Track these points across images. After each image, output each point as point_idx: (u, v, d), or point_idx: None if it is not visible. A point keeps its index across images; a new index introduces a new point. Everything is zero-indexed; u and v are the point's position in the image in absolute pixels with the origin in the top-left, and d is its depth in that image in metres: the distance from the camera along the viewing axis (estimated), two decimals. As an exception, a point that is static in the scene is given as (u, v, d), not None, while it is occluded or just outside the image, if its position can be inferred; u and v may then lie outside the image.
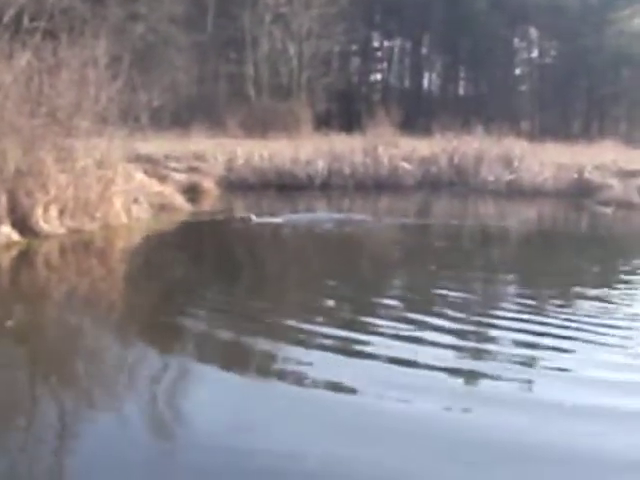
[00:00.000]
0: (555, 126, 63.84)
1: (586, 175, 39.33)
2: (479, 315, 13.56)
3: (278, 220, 25.96)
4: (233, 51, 65.65)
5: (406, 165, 40.23)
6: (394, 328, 12.44)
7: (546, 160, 40.17)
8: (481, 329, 12.66)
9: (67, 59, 25.58)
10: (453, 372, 10.38)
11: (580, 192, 37.32)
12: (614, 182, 37.78)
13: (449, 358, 10.96)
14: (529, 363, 10.85)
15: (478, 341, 11.99)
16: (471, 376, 10.29)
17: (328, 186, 37.85)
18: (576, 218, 33.33)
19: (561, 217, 33.88)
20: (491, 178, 39.07)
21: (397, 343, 11.66)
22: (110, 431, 8.60)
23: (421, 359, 10.78)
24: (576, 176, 39.28)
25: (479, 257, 21.65)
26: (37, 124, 22.91)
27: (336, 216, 28.26)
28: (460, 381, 10.18)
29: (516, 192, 37.45)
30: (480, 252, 22.81)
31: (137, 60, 39.10)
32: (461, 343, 11.74)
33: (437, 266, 18.99)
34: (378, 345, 11.56)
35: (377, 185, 38.36)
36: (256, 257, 21.72)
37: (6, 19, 25.25)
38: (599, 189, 37.13)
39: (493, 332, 12.45)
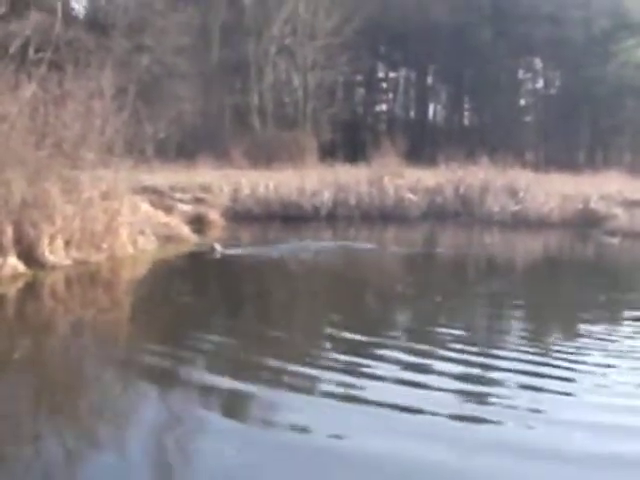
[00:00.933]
0: (560, 156, 63.80)
1: (591, 205, 39.30)
2: (481, 355, 13.16)
3: (248, 251, 26.15)
4: (238, 81, 65.75)
5: (412, 196, 40.17)
6: (394, 371, 12.13)
7: (551, 190, 40.12)
8: (483, 371, 12.26)
9: (73, 90, 25.65)
10: (455, 418, 10.10)
11: (586, 222, 37.26)
12: (619, 212, 37.78)
13: (452, 403, 10.67)
14: (531, 408, 10.53)
15: (479, 384, 11.63)
16: (473, 421, 10.06)
17: (334, 217, 37.81)
18: (582, 248, 33.29)
19: (567, 247, 33.82)
20: (496, 208, 39.04)
21: (397, 388, 11.36)
22: (110, 468, 8.53)
23: (423, 405, 10.52)
24: (581, 206, 39.26)
25: (484, 288, 21.50)
26: (43, 155, 22.95)
27: (332, 244, 28.26)
28: (462, 426, 9.96)
29: (522, 222, 37.41)
30: (485, 283, 22.68)
31: (142, 92, 39.32)
32: (463, 387, 11.38)
33: (442, 297, 18.92)
34: (378, 390, 11.20)
35: (383, 216, 38.30)
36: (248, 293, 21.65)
37: (12, 50, 25.32)
38: (605, 219, 37.12)
39: (494, 374, 12.09)
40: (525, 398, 10.84)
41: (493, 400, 10.87)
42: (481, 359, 12.89)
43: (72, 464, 8.79)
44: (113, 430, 9.82)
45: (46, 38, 27.56)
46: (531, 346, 13.88)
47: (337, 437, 9.40)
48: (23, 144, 22.57)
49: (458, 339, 14.18)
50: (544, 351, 13.56)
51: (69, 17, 41.67)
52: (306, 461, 8.82)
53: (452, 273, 25.21)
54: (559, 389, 11.26)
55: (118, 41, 50.97)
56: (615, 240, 32.50)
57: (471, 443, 9.26)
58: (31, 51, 26.19)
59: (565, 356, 13.02)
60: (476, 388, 11.43)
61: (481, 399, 10.99)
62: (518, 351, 13.46)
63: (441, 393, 11.04)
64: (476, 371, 12.18)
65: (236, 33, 61.00)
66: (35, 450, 9.10)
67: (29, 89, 24.92)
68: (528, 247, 33.13)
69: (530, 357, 12.98)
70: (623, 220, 35.89)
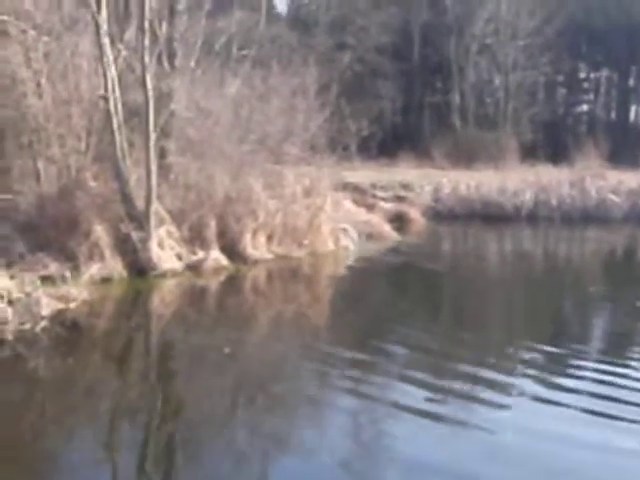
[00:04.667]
0: None
1: None
2: None
3: None
4: (439, 81, 65.30)
5: (614, 197, 38.74)
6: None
7: None
8: None
9: (276, 87, 25.70)
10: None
11: None
12: None
13: None
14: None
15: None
16: None
17: (534, 217, 36.80)
18: None
19: None
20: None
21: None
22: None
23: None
24: None
25: None
26: (246, 150, 23.01)
27: None
28: None
29: None
30: None
31: (345, 89, 39.27)
32: None
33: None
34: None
35: (584, 217, 37.05)
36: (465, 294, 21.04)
37: (217, 47, 25.53)
38: None
39: None
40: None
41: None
42: None
43: (266, 453, 8.77)
44: (309, 417, 9.89)
45: (250, 35, 27.66)
46: None
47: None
48: (227, 139, 22.70)
49: None
50: None
51: (272, 15, 42.02)
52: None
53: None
54: None
55: (320, 39, 51.23)
56: None
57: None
58: (235, 48, 26.29)
59: None
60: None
61: None
62: None
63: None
64: None
65: (437, 32, 60.54)
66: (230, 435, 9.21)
67: (234, 85, 25.08)
68: None
69: None
70: None
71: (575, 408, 10.05)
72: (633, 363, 12.43)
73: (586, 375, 11.55)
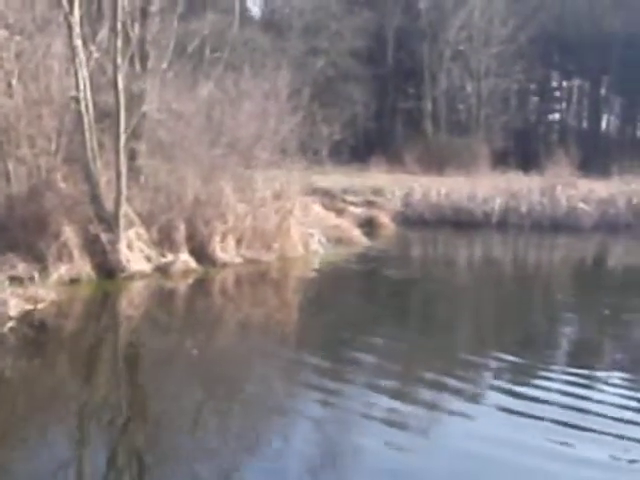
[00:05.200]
0: None
1: None
2: None
3: None
4: (412, 86, 65.49)
5: (584, 206, 38.99)
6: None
7: None
8: None
9: (248, 90, 25.75)
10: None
11: None
12: None
13: None
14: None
15: None
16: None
17: (504, 224, 36.98)
18: None
19: None
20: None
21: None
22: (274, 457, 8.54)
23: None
24: None
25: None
26: (217, 154, 23.05)
27: None
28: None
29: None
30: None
31: (317, 94, 39.32)
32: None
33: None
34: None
35: (554, 225, 37.26)
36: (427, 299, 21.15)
37: (190, 49, 25.54)
38: None
39: None
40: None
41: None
42: None
43: (232, 456, 8.76)
44: (275, 422, 9.85)
45: (222, 38, 27.67)
46: None
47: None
48: (198, 142, 22.74)
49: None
50: None
51: (245, 18, 42.12)
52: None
53: None
54: None
55: (294, 43, 51.27)
56: None
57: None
58: (207, 51, 26.31)
59: None
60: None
61: None
62: None
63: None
64: None
65: (411, 38, 60.74)
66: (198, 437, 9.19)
67: (206, 88, 25.10)
68: None
69: None
70: None
71: (537, 418, 10.08)
72: (598, 373, 12.53)
73: (550, 385, 11.60)
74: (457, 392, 11.19)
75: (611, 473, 8.58)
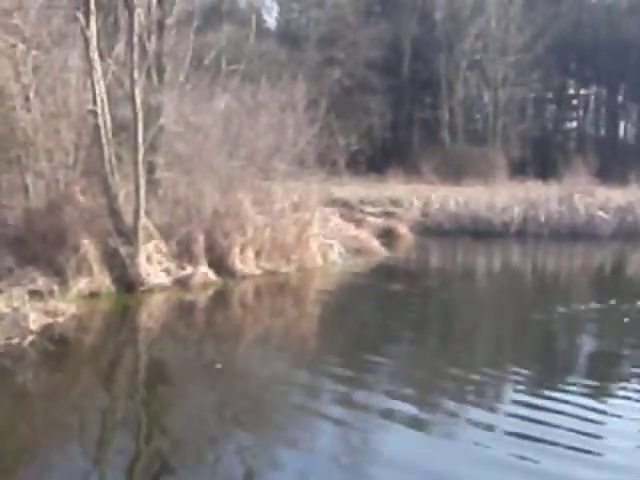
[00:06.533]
0: None
1: None
2: None
3: None
4: (428, 96, 65.46)
5: (602, 214, 38.83)
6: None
7: None
8: None
9: (265, 102, 25.76)
10: None
11: None
12: None
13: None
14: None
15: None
16: None
17: (523, 233, 36.87)
18: None
19: None
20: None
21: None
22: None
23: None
24: None
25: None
26: (235, 166, 23.04)
27: None
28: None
29: None
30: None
31: (334, 105, 39.28)
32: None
33: None
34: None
35: (572, 233, 37.11)
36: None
37: (206, 62, 25.59)
38: None
39: None
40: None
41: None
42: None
43: (255, 463, 8.76)
44: (297, 430, 9.90)
45: (239, 50, 27.73)
46: None
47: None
48: (216, 154, 22.73)
49: None
50: None
51: (261, 29, 42.19)
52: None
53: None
54: None
55: (310, 54, 51.31)
56: None
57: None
58: (224, 63, 26.31)
59: None
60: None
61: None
62: None
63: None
64: None
65: (427, 47, 60.75)
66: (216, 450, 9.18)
67: (223, 100, 25.10)
68: None
69: None
70: None
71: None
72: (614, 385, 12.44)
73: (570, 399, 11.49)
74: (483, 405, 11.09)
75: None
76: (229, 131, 24.16)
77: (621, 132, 77.70)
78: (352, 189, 37.86)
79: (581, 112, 79.08)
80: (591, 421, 10.21)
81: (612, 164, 58.02)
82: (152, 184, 21.10)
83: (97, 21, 19.72)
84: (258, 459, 8.93)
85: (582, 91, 78.81)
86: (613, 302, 19.99)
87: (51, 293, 16.49)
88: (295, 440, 9.52)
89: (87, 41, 19.16)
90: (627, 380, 12.69)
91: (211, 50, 26.11)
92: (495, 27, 62.99)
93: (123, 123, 20.48)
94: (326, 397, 11.28)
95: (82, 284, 17.58)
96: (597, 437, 9.56)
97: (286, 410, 10.77)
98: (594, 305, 19.71)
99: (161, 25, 22.75)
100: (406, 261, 28.42)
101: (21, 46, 19.73)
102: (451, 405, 10.89)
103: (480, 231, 36.33)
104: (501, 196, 39.17)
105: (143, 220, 19.33)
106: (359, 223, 31.50)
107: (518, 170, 50.51)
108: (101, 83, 19.35)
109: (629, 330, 16.74)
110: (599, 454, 9.07)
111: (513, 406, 10.75)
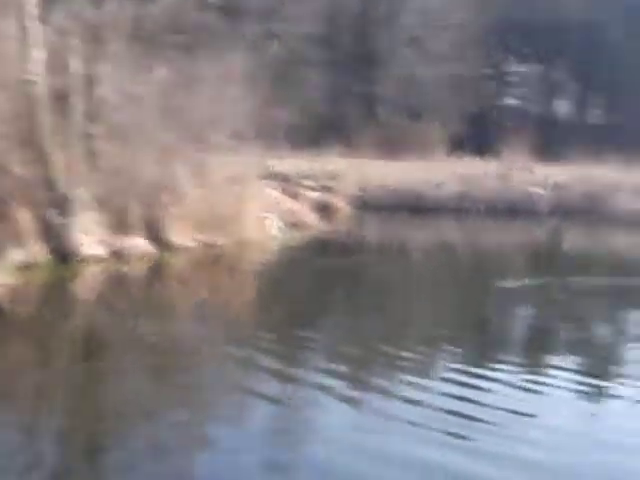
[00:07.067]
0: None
1: None
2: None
3: None
4: (366, 70, 65.47)
5: (539, 191, 39.36)
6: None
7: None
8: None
9: (204, 74, 25.65)
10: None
11: None
12: None
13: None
14: None
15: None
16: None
17: (460, 209, 37.25)
18: None
19: None
20: (625, 207, 37.65)
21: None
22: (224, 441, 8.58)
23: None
24: None
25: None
26: (172, 137, 22.95)
27: None
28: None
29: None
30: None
31: (272, 78, 39.23)
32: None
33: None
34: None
35: (510, 210, 37.56)
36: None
37: (145, 32, 25.39)
38: None
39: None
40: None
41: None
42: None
43: (186, 439, 8.75)
44: (226, 406, 9.87)
45: (178, 21, 27.58)
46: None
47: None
48: (153, 126, 22.62)
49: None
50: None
51: (201, 1, 41.95)
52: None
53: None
54: None
55: (249, 26, 51.06)
56: None
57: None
58: (163, 34, 26.15)
59: None
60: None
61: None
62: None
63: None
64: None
65: (366, 22, 60.75)
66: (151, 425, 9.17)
67: (161, 71, 24.94)
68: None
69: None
70: None
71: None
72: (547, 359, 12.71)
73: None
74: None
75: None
76: (167, 103, 24.03)
77: (559, 109, 78.45)
78: (290, 163, 37.85)
79: (519, 89, 79.72)
80: (524, 400, 10.29)
81: (550, 141, 58.56)
82: (89, 155, 20.95)
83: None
84: (191, 435, 8.95)
85: (520, 68, 79.42)
86: (549, 278, 20.39)
87: (-15, 264, 16.40)
88: (228, 416, 9.52)
89: (24, 9, 18.97)
90: (561, 356, 12.92)
91: (151, 21, 25.90)
92: (435, 3, 63.16)
93: (60, 93, 20.30)
94: (260, 373, 11.24)
95: (17, 255, 17.46)
96: (531, 415, 9.68)
97: (220, 386, 10.78)
98: (530, 281, 20.05)
99: (100, -6, 22.57)
100: (343, 235, 28.61)
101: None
102: (385, 382, 10.95)
103: (417, 206, 36.61)
104: (438, 171, 39.50)
105: (79, 191, 19.23)
106: (296, 197, 31.60)
107: (456, 146, 50.67)
108: (38, 52, 19.17)
109: (564, 307, 17.08)
110: (532, 432, 9.13)
111: (447, 384, 10.74)
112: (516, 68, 79.67)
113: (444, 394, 10.28)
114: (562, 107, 78.71)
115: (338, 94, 59.65)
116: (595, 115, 78.66)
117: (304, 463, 8.11)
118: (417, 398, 10.05)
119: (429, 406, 9.77)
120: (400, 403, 9.94)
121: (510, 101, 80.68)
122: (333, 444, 8.54)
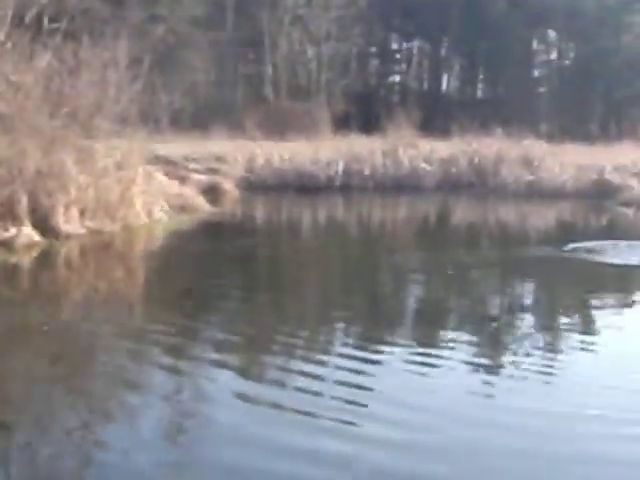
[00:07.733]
0: (573, 128, 63.22)
1: (606, 176, 39.02)
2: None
3: None
4: (252, 52, 65.63)
5: (426, 166, 40.15)
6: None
7: (566, 161, 39.91)
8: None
9: (87, 60, 25.65)
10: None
11: (600, 193, 36.91)
12: (634, 183, 37.47)
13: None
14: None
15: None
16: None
17: (348, 187, 37.79)
18: (596, 219, 32.95)
19: (581, 218, 33.54)
20: (511, 180, 38.87)
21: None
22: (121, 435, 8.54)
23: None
24: (596, 177, 38.99)
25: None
26: (57, 125, 22.93)
27: None
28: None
29: (536, 193, 37.21)
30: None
31: (157, 62, 39.25)
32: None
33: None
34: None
35: (397, 186, 38.23)
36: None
37: (27, 20, 25.30)
38: (619, 190, 36.86)
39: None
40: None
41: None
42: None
43: (85, 432, 8.70)
44: (124, 398, 9.78)
45: (61, 8, 27.46)
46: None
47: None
48: (38, 113, 22.57)
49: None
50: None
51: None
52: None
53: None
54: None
55: (133, 11, 50.77)
56: (630, 211, 32.34)
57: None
58: (46, 21, 26.06)
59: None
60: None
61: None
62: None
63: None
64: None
65: (250, 3, 60.82)
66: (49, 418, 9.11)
67: (44, 59, 24.87)
68: (543, 218, 32.84)
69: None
70: (638, 191, 35.69)
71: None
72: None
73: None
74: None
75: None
76: (51, 90, 23.98)
77: (444, 85, 79.56)
78: (176, 146, 37.90)
79: (404, 66, 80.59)
80: (418, 379, 10.43)
81: (435, 117, 59.63)
82: (-28, 144, 20.88)
83: None
84: (83, 434, 8.77)
85: (405, 45, 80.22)
86: (437, 253, 20.99)
87: None
88: (116, 413, 9.39)
89: None
90: (450, 331, 13.20)
91: (32, 8, 25.78)
92: (318, -18, 63.49)
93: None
94: (146, 365, 11.29)
95: None
96: (430, 392, 9.93)
97: (110, 378, 10.70)
98: (419, 257, 20.63)
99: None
100: (231, 217, 28.93)
101: None
102: (274, 371, 10.96)
103: (305, 186, 37.06)
104: (325, 150, 39.96)
105: (-37, 181, 19.17)
106: (183, 180, 31.68)
107: (342, 125, 51.23)
108: None
109: (452, 281, 17.71)
110: (424, 415, 9.14)
111: (339, 371, 10.64)
112: (401, 46, 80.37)
113: (337, 382, 10.15)
114: (448, 83, 79.79)
115: (224, 76, 59.69)
116: (480, 90, 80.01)
117: (194, 460, 7.98)
118: (304, 385, 10.01)
119: (317, 394, 9.72)
120: (289, 392, 9.87)
121: (395, 78, 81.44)
122: (225, 438, 8.50)
